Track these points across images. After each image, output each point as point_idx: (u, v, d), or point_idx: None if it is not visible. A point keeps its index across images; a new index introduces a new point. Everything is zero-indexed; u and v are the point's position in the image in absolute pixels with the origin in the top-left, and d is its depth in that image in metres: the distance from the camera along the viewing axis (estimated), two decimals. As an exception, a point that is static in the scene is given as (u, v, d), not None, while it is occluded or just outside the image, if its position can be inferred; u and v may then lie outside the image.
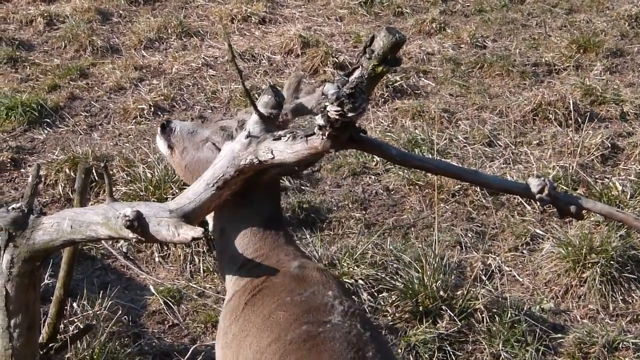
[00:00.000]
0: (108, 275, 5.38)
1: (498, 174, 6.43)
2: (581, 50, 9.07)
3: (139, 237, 2.95)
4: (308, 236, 5.61)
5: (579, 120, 7.36)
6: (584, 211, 3.21)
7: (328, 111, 2.55)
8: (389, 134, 7.08)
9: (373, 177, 6.58)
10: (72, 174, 6.08)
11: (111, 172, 6.12)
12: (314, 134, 2.70)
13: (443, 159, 6.43)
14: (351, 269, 5.24)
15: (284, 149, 2.83)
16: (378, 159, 6.62)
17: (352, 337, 2.91)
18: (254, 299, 3.17)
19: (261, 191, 3.28)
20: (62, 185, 6.13)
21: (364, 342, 2.91)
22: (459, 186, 6.30)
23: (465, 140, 7.12)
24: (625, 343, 4.91)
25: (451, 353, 4.82)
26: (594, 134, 7.10)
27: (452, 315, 4.98)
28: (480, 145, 7.06)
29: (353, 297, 3.56)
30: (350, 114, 2.54)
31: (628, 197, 6.13)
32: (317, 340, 2.91)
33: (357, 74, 2.59)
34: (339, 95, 2.53)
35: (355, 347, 2.88)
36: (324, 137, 2.66)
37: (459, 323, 4.95)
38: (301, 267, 3.20)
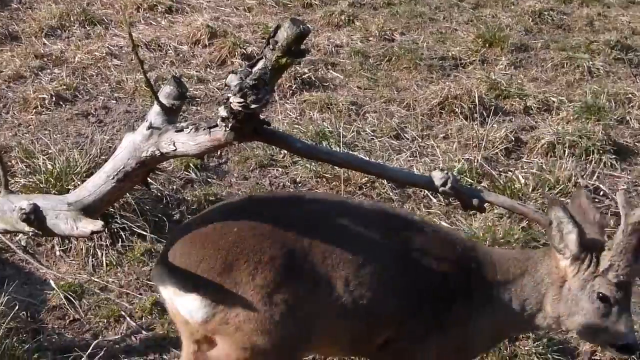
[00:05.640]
0: (5, 270, 5.22)
1: (405, 166, 6.46)
2: (487, 45, 9.21)
3: (36, 231, 2.87)
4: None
5: (484, 114, 7.46)
6: (486, 204, 3.25)
7: (231, 102, 2.51)
8: (297, 126, 7.05)
9: (280, 169, 6.54)
10: (-32, 165, 5.89)
11: (9, 164, 5.96)
12: (217, 125, 2.66)
13: (350, 152, 6.44)
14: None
15: (186, 141, 2.77)
16: (285, 151, 6.59)
17: None
18: None
19: None
20: (-42, 176, 5.92)
21: None
22: (366, 179, 6.30)
23: (372, 133, 7.14)
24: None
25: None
26: (498, 128, 7.20)
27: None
28: (388, 138, 7.09)
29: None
30: (253, 106, 2.50)
31: (530, 190, 6.23)
32: None
33: (260, 65, 2.55)
34: (242, 87, 2.49)
35: None
36: (227, 129, 2.61)
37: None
38: None
